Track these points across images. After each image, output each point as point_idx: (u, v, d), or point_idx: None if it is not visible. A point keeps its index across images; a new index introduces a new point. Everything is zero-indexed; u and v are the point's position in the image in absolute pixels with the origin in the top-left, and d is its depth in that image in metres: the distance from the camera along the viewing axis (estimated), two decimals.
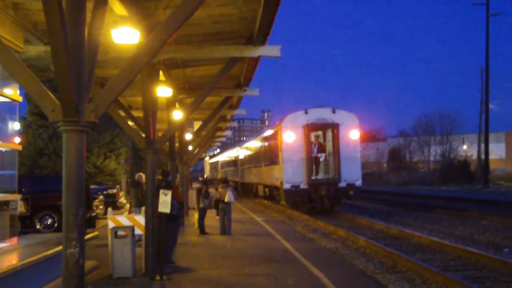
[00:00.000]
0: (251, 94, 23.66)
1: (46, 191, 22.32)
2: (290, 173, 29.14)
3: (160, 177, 14.37)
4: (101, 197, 28.46)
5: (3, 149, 12.32)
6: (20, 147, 13.80)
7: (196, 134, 32.06)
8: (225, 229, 20.83)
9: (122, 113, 18.59)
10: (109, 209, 14.89)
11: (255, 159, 41.66)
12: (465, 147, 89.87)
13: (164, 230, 13.26)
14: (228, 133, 53.38)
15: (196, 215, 21.97)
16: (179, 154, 27.14)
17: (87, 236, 12.36)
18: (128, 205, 27.01)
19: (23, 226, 19.04)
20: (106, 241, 14.34)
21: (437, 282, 12.34)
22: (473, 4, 59.86)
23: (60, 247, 8.26)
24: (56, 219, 21.88)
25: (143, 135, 14.31)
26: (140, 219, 13.73)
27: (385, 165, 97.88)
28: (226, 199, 20.74)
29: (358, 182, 29.40)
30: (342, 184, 28.93)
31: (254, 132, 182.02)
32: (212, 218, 23.31)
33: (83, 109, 7.72)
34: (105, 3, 8.93)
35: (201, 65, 19.44)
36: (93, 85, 8.91)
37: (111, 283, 12.27)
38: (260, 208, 35.74)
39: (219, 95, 23.93)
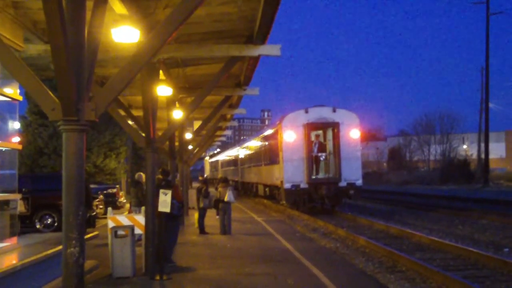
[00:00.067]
0: (251, 93, 23.64)
1: (46, 191, 22.32)
2: (291, 172, 29.09)
3: (160, 176, 14.35)
4: (101, 196, 28.42)
5: (3, 149, 12.30)
6: (20, 147, 13.79)
7: (196, 133, 32.04)
8: (225, 229, 20.81)
9: (122, 112, 18.57)
10: (109, 209, 14.87)
11: (255, 158, 41.63)
12: (465, 146, 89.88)
13: (164, 229, 13.24)
14: (228, 132, 53.42)
15: (196, 215, 21.95)
16: (179, 154, 27.13)
17: (87, 236, 12.36)
18: (128, 205, 27.01)
19: (23, 225, 19.06)
20: (106, 240, 14.33)
21: (437, 281, 12.33)
22: (473, 3, 59.98)
23: (60, 247, 8.25)
24: (56, 219, 21.88)
25: (143, 134, 14.30)
26: (140, 218, 13.71)
27: (385, 164, 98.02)
28: (226, 199, 20.72)
29: (359, 182, 29.33)
30: (343, 183, 28.86)
31: (254, 132, 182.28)
32: (212, 218, 23.29)
33: (83, 108, 7.71)
34: (105, 2, 8.92)
35: (201, 64, 19.42)
36: (93, 84, 8.90)
37: (111, 283, 12.26)
38: (260, 208, 35.73)
39: (219, 94, 23.90)
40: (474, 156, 73.70)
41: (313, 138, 30.24)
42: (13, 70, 8.17)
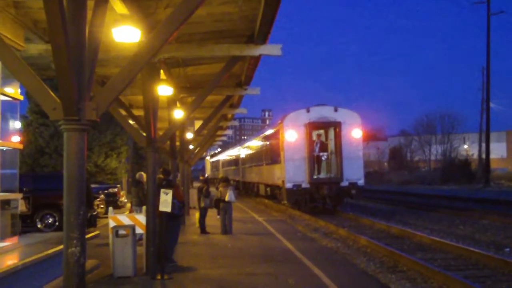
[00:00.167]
0: (252, 93, 23.62)
1: (47, 190, 22.32)
2: (292, 172, 29.02)
3: (161, 176, 14.35)
4: (102, 196, 28.44)
5: (4, 148, 12.30)
6: (21, 146, 13.79)
7: (197, 133, 32.03)
8: (226, 229, 20.81)
9: (123, 112, 18.57)
10: (110, 208, 14.90)
11: (257, 158, 41.60)
12: (466, 146, 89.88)
13: (165, 229, 13.25)
14: (229, 132, 53.39)
15: (197, 215, 21.96)
16: (180, 153, 27.13)
17: (88, 235, 12.36)
18: (129, 204, 27.05)
19: (24, 225, 19.06)
20: (107, 240, 14.34)
21: (438, 281, 12.33)
22: (474, 3, 59.92)
23: (61, 246, 8.25)
24: (57, 218, 21.89)
25: (144, 134, 14.30)
26: (141, 218, 13.73)
27: (386, 164, 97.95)
28: (226, 198, 20.72)
29: (361, 181, 29.26)
30: (345, 183, 28.79)
31: (255, 131, 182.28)
32: (213, 218, 23.29)
33: (84, 108, 7.71)
34: (106, 1, 8.92)
35: (202, 64, 19.42)
36: (94, 84, 8.90)
37: (112, 282, 12.27)
38: (261, 208, 35.72)
39: (220, 94, 23.88)
40: (475, 156, 73.66)
41: (314, 137, 30.11)
42: (14, 69, 8.17)
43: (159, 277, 12.48)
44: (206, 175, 77.50)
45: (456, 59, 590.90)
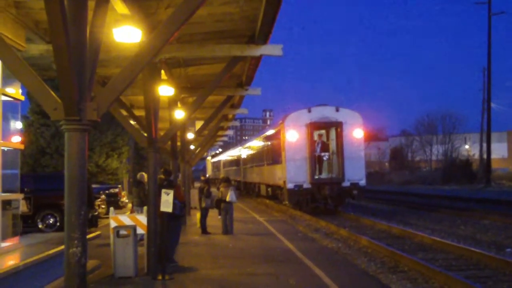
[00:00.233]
0: (253, 93, 23.63)
1: (48, 190, 22.32)
2: (293, 172, 28.95)
3: (162, 176, 14.35)
4: (103, 196, 28.45)
5: (5, 148, 12.30)
6: (22, 146, 13.79)
7: (198, 133, 32.02)
8: (227, 229, 20.82)
9: (124, 112, 18.60)
10: (111, 209, 14.89)
11: (258, 158, 41.57)
12: (467, 146, 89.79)
13: (166, 229, 13.25)
14: (230, 132, 53.41)
15: (198, 215, 21.97)
16: (181, 153, 27.14)
17: (89, 236, 12.36)
18: (130, 205, 27.05)
19: (25, 225, 19.09)
20: (108, 240, 14.33)
21: (439, 281, 12.33)
22: (475, 3, 59.90)
23: (62, 247, 8.24)
24: (58, 218, 21.91)
25: (145, 134, 14.30)
26: (142, 218, 13.73)
27: (387, 164, 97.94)
28: (227, 199, 20.73)
29: (362, 182, 29.21)
30: (346, 183, 28.71)
31: (256, 132, 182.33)
32: (214, 218, 23.31)
33: (85, 108, 7.71)
34: (107, 1, 8.92)
35: (203, 64, 19.43)
36: (95, 84, 8.91)
37: (113, 283, 12.27)
38: (262, 208, 35.72)
39: (221, 94, 23.89)
40: (476, 156, 73.62)
41: (316, 137, 30.01)
42: (15, 70, 8.17)
43: (160, 277, 12.48)
44: (207, 175, 77.55)
45: (457, 59, 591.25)
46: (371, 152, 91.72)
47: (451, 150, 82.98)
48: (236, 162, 59.21)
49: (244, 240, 19.04)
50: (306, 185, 28.72)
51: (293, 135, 29.26)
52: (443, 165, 77.88)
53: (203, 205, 21.32)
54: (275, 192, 34.35)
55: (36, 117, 37.64)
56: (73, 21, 7.63)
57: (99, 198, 26.66)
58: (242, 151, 53.79)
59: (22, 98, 13.21)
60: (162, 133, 16.39)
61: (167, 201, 12.69)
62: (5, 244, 11.90)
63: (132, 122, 18.97)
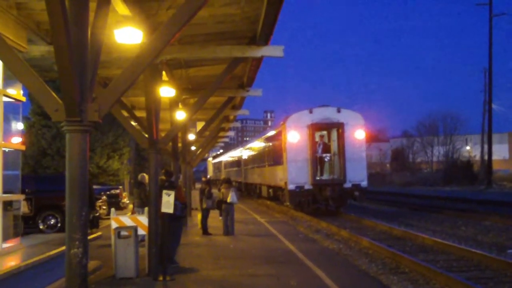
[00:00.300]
0: (254, 94, 23.66)
1: (49, 191, 22.30)
2: (295, 173, 28.89)
3: (163, 177, 14.36)
4: (104, 197, 28.45)
5: (6, 149, 12.32)
6: (23, 147, 13.81)
7: (199, 134, 32.06)
8: (228, 230, 20.82)
9: (125, 113, 18.61)
10: (112, 210, 14.89)
11: (259, 159, 41.55)
12: (468, 147, 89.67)
13: (167, 230, 13.26)
14: (231, 133, 53.43)
15: (199, 216, 21.97)
16: (182, 154, 27.14)
17: (90, 237, 12.38)
18: (131, 206, 27.04)
19: (26, 226, 19.08)
20: (109, 241, 14.35)
21: (440, 282, 12.33)
22: (476, 4, 59.82)
23: (63, 247, 8.25)
24: (59, 219, 21.88)
25: (146, 135, 14.31)
26: (143, 219, 13.73)
27: (388, 165, 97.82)
28: (228, 200, 20.73)
29: (364, 183, 29.11)
30: (348, 184, 28.62)
31: (257, 133, 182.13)
32: (215, 219, 23.31)
33: (86, 109, 7.71)
34: (108, 3, 8.93)
35: (204, 65, 19.44)
36: (96, 85, 8.91)
37: (114, 283, 12.28)
38: (263, 209, 35.72)
39: (222, 96, 23.92)
40: (477, 157, 73.48)
41: (317, 138, 29.92)
42: (16, 71, 8.19)
43: (161, 278, 12.49)
44: (208, 176, 77.57)
45: (458, 60, 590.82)
46: (372, 153, 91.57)
47: (452, 151, 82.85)
48: (237, 163, 59.20)
49: (245, 241, 19.04)
50: (308, 186, 28.66)
51: (294, 136, 29.21)
52: (444, 166, 77.79)
53: (204, 206, 21.33)
54: (276, 193, 34.32)
55: (37, 118, 37.65)
56: (75, 22, 7.64)
57: (100, 199, 26.66)
58: (243, 152, 53.78)
59: (24, 99, 13.23)
60: (163, 134, 16.37)
61: (168, 202, 12.70)
62: (6, 245, 11.91)
63: (133, 123, 18.99)
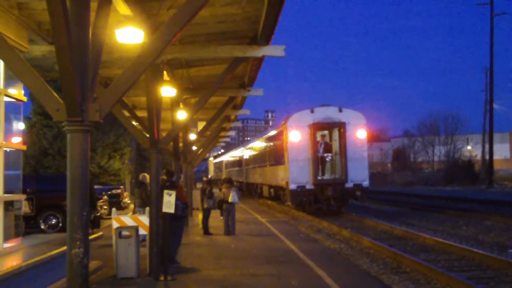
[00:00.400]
0: (255, 94, 23.65)
1: (51, 191, 22.33)
2: (296, 173, 28.85)
3: (164, 177, 14.35)
4: (105, 197, 28.46)
5: (7, 149, 12.31)
6: (24, 147, 13.80)
7: (200, 134, 32.07)
8: (229, 230, 20.82)
9: (126, 113, 18.60)
10: (113, 209, 14.88)
11: (260, 159, 41.52)
12: (469, 147, 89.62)
13: (168, 230, 13.26)
14: (232, 133, 53.44)
15: (200, 216, 21.97)
16: (183, 154, 27.14)
17: (91, 236, 12.37)
18: (132, 205, 27.02)
19: (28, 226, 19.10)
20: (110, 241, 14.34)
21: (441, 282, 12.32)
22: (477, 4, 59.79)
23: (65, 247, 8.26)
24: (60, 219, 21.91)
25: (147, 135, 14.31)
26: (144, 219, 13.72)
27: (389, 165, 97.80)
28: (230, 200, 20.73)
29: (366, 183, 29.03)
30: (349, 184, 28.57)
31: (258, 132, 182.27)
32: (216, 219, 23.32)
33: (88, 109, 7.71)
34: (109, 2, 8.93)
35: (205, 65, 19.44)
36: (97, 85, 8.91)
37: (115, 283, 12.29)
38: (264, 209, 35.71)
39: (223, 95, 23.93)
40: (479, 157, 73.43)
41: (318, 138, 29.92)
42: (17, 71, 8.18)
43: (162, 278, 12.49)
44: (210, 176, 77.59)
45: (459, 59, 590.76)
46: (373, 153, 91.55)
47: (453, 151, 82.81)
48: (239, 163, 59.18)
49: (246, 241, 19.04)
50: (309, 186, 28.62)
51: (295, 136, 29.17)
52: (445, 166, 77.74)
53: (205, 206, 21.34)
54: (278, 193, 34.30)
55: (38, 118, 37.65)
56: (76, 22, 7.64)
57: (101, 199, 26.67)
58: (244, 152, 53.76)
59: (25, 99, 13.22)
60: (164, 134, 16.37)
61: (169, 202, 12.70)
62: (7, 244, 11.90)
63: (134, 123, 18.97)
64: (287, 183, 29.41)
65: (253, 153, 46.51)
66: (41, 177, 28.08)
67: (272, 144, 35.94)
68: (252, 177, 47.45)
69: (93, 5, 8.23)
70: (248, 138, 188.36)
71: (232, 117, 35.40)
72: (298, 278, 12.42)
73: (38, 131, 37.44)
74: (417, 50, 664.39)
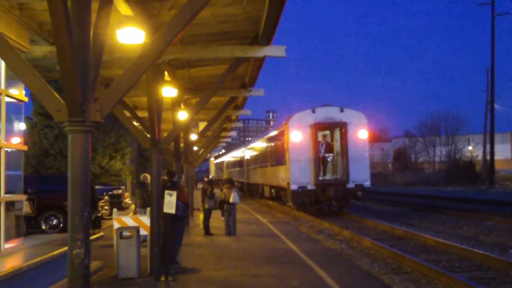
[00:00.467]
0: (256, 94, 23.64)
1: (52, 192, 22.32)
2: (297, 173, 28.80)
3: (165, 177, 14.35)
4: (106, 197, 28.46)
5: (8, 149, 12.32)
6: (25, 148, 13.81)
7: (201, 134, 32.04)
8: (230, 230, 20.82)
9: (127, 113, 18.59)
10: (114, 210, 14.89)
11: (261, 159, 41.48)
12: (470, 147, 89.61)
13: (169, 230, 13.26)
14: (233, 133, 53.44)
15: (201, 216, 21.97)
16: (184, 155, 27.14)
17: (92, 237, 12.37)
18: (133, 206, 27.03)
19: (29, 226, 19.07)
20: (111, 241, 14.35)
21: (442, 282, 12.31)
22: (478, 4, 59.81)
23: (66, 248, 8.26)
24: (61, 220, 21.90)
25: (148, 135, 14.31)
26: (145, 219, 13.73)
27: (390, 165, 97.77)
28: (231, 200, 20.73)
29: (367, 183, 28.97)
30: (351, 185, 28.52)
31: (259, 133, 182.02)
32: (217, 219, 23.32)
33: (89, 109, 7.72)
34: (110, 3, 8.94)
35: (206, 65, 19.44)
36: (98, 85, 8.92)
37: (116, 284, 12.29)
38: (265, 209, 35.70)
39: (224, 96, 23.92)
40: (480, 157, 73.42)
41: (320, 138, 29.85)
42: (18, 71, 8.20)
43: (163, 278, 12.49)
44: (211, 176, 77.58)
45: (460, 60, 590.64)
46: (374, 153, 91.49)
47: (454, 151, 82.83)
48: (240, 163, 59.14)
49: (247, 241, 19.04)
50: (310, 186, 28.57)
51: (297, 136, 29.12)
52: (446, 166, 77.73)
53: (206, 206, 21.33)
54: (279, 194, 34.26)
55: (39, 118, 37.65)
56: (77, 22, 7.65)
57: (102, 199, 26.66)
58: (245, 152, 53.73)
59: (26, 99, 13.23)
60: (165, 134, 16.37)
61: (170, 202, 12.71)
62: (8, 245, 11.91)
63: (135, 123, 18.97)
64: (288, 183, 29.38)
65: (254, 153, 46.47)
66: (42, 177, 28.07)
67: (273, 144, 35.91)
68: (253, 177, 47.42)
69: (94, 6, 8.24)
70: (249, 139, 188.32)
71: (233, 117, 35.40)
72: (299, 278, 12.42)
73: (39, 131, 37.44)
74: (417, 50, 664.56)
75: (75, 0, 7.74)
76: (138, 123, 19.94)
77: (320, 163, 29.02)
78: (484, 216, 26.38)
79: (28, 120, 36.97)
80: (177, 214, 13.20)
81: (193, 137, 30.86)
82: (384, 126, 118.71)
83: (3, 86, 11.81)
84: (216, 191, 22.62)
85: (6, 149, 12.03)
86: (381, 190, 55.55)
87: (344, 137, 28.99)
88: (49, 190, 22.55)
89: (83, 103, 7.64)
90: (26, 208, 17.87)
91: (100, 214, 23.55)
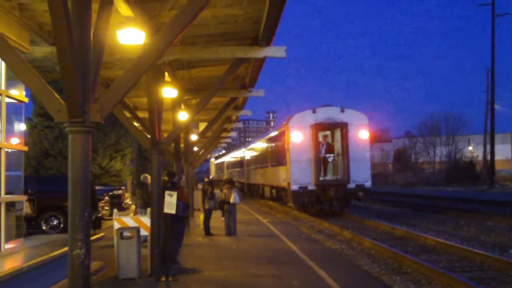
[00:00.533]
0: (256, 95, 23.64)
1: (52, 192, 22.32)
2: (298, 174, 28.77)
3: (166, 178, 14.36)
4: (106, 198, 28.47)
5: (9, 150, 12.33)
6: (26, 148, 13.82)
7: (202, 135, 32.05)
8: (230, 230, 20.82)
9: (128, 114, 18.60)
10: (115, 210, 14.90)
11: (262, 159, 41.45)
12: (470, 148, 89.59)
13: (169, 231, 13.27)
14: (234, 134, 53.42)
15: (201, 216, 21.98)
16: (185, 155, 27.15)
17: (92, 237, 12.38)
18: (133, 206, 27.05)
19: (29, 227, 19.08)
20: (111, 242, 14.36)
21: (442, 283, 12.32)
22: (478, 4, 59.79)
23: (66, 248, 8.27)
24: (61, 220, 21.90)
25: (149, 136, 14.32)
26: (146, 220, 13.74)
27: (390, 166, 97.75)
28: (231, 200, 20.74)
29: (368, 183, 28.95)
30: (351, 185, 28.48)
31: (259, 133, 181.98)
32: (218, 219, 23.32)
33: (89, 110, 7.73)
34: (111, 4, 8.94)
35: (206, 66, 19.45)
36: (98, 86, 8.93)
37: (116, 284, 12.30)
38: (265, 209, 35.70)
39: (224, 96, 23.92)
40: (480, 157, 73.45)
41: (320, 138, 29.80)
42: (19, 72, 8.20)
43: (163, 279, 12.50)
44: (211, 177, 77.57)
45: (460, 60, 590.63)
46: (374, 153, 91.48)
47: (454, 152, 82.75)
48: (240, 163, 59.14)
49: (248, 242, 19.05)
50: (311, 187, 28.54)
51: (297, 136, 29.09)
52: (446, 166, 77.69)
53: (207, 206, 21.33)
54: (279, 194, 34.23)
55: (39, 119, 37.65)
56: (77, 23, 7.65)
57: (102, 199, 26.67)
58: (245, 153, 53.71)
59: (26, 100, 13.25)
60: (165, 135, 16.38)
61: (170, 203, 12.71)
62: (9, 245, 11.92)
63: (135, 124, 18.98)
64: (289, 184, 29.36)
65: (255, 154, 46.45)
66: (42, 178, 28.08)
67: (273, 144, 35.89)
68: (254, 178, 47.41)
69: (95, 6, 8.25)
70: (250, 139, 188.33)
71: (234, 118, 35.41)
72: (299, 278, 12.43)
73: (40, 132, 37.45)
74: (417, 50, 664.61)
75: (76, 1, 7.75)
76: (139, 124, 19.95)
77: (320, 163, 28.99)
78: (484, 216, 26.37)
79: (28, 120, 36.97)
80: (178, 215, 13.21)
81: (194, 137, 30.86)
82: (384, 127, 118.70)
83: (3, 87, 11.82)
84: (217, 191, 22.62)
85: (7, 149, 12.04)
86: (382, 190, 55.56)
87: (344, 137, 28.96)
88: (50, 190, 22.55)
89: (83, 103, 7.65)
90: (27, 209, 17.88)
91: (100, 215, 23.55)
